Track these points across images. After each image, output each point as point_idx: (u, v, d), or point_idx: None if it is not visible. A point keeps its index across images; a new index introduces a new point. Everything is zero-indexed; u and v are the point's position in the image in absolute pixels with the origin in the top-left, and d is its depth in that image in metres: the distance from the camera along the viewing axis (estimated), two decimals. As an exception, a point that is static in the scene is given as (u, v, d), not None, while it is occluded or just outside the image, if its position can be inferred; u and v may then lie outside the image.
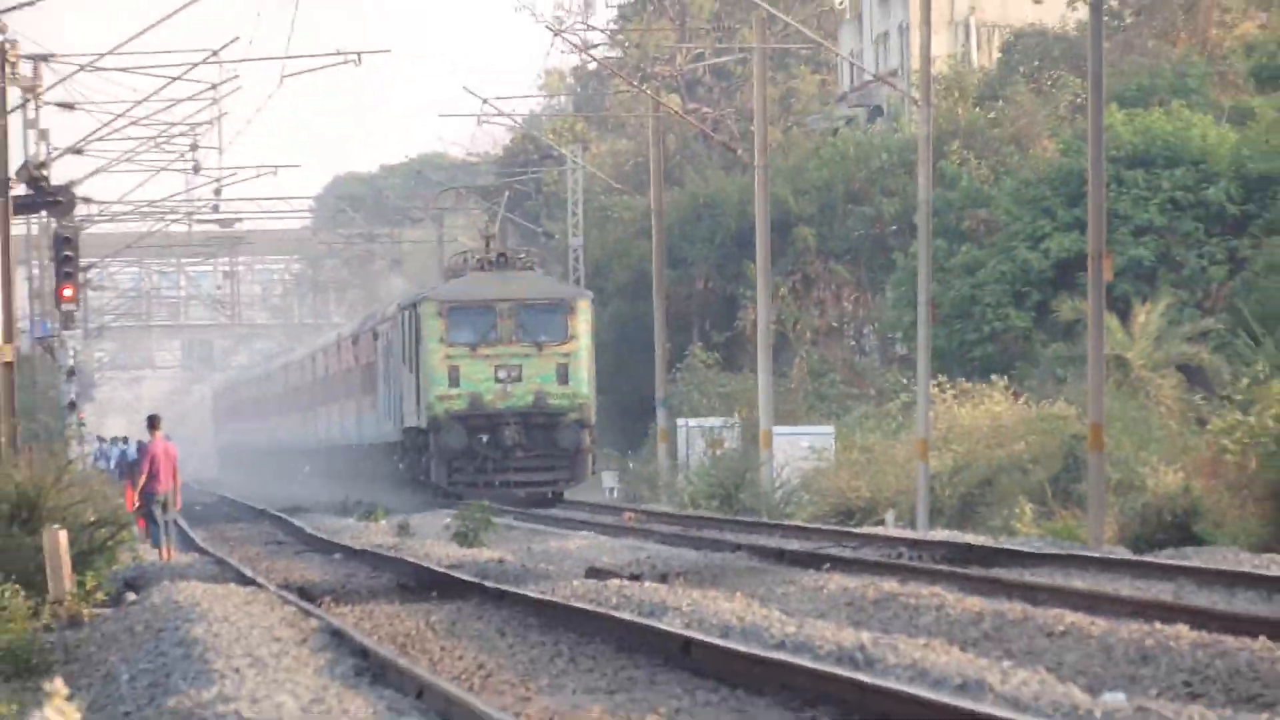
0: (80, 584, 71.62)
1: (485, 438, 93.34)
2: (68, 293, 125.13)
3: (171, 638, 54.57)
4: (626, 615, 58.39)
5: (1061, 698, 37.43)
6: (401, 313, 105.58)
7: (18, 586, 64.60)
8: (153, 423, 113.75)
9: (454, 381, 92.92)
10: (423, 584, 79.93)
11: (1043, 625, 54.40)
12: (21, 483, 76.48)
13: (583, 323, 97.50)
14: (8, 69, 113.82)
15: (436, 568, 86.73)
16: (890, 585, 68.54)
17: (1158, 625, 51.56)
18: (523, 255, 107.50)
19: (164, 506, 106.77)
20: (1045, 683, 40.37)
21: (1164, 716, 34.02)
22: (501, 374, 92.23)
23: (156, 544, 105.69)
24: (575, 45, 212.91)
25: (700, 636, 50.21)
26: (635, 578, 76.33)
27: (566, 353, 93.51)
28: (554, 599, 66.34)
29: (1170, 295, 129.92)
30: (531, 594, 68.67)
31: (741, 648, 47.45)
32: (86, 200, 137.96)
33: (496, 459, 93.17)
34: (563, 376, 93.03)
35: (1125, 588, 66.65)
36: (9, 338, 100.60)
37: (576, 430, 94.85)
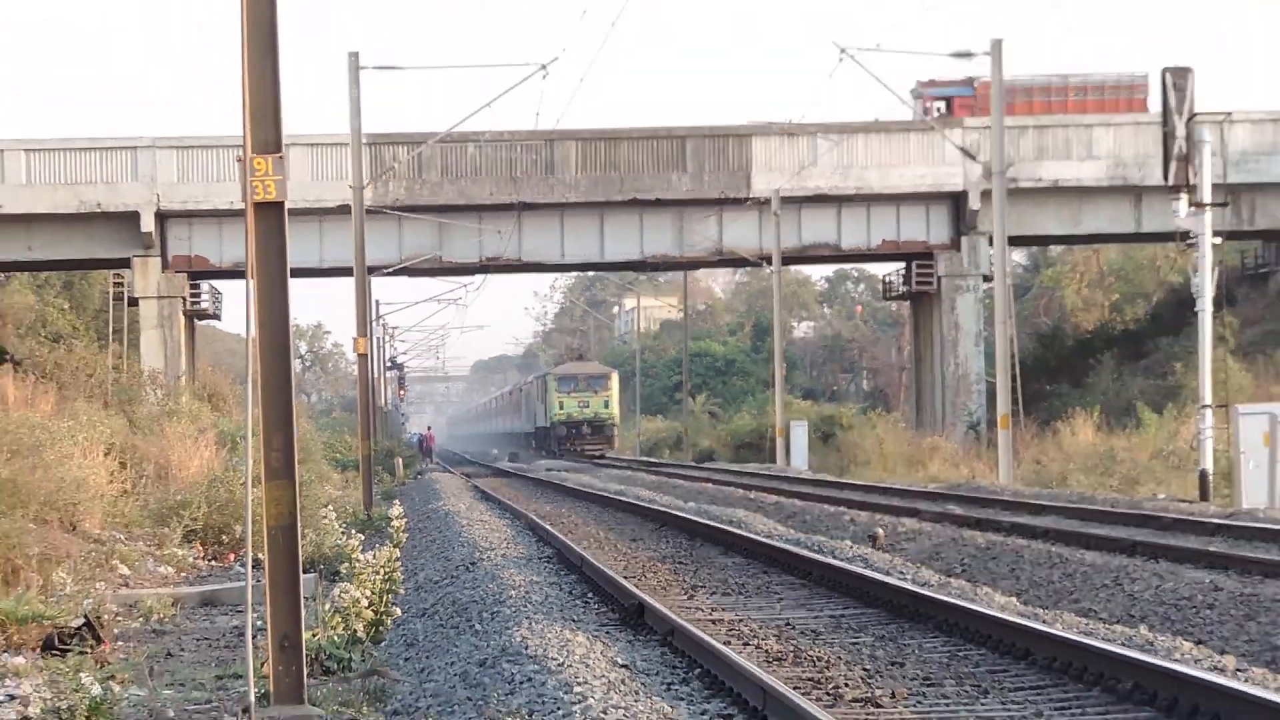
0: (406, 473, 74.00)
1: (573, 431, 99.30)
2: (401, 392, 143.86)
3: (430, 488, 61.37)
4: (555, 481, 63.79)
5: (668, 501, 43.84)
6: (537, 379, 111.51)
7: (387, 474, 67.21)
8: (429, 428, 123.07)
9: (561, 407, 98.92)
10: (502, 473, 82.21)
11: (674, 482, 59.01)
12: (388, 447, 77.86)
13: (614, 382, 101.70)
14: (387, 334, 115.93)
15: (506, 468, 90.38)
16: (629, 471, 74.35)
17: (696, 480, 58.09)
18: (588, 355, 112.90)
19: (431, 451, 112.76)
20: (671, 501, 46.92)
21: (671, 500, 40.79)
22: (580, 404, 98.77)
23: (426, 460, 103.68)
24: (541, 330, 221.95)
25: (576, 486, 56.72)
26: (561, 471, 77.30)
27: (607, 396, 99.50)
28: (537, 477, 70.35)
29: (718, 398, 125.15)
30: (529, 475, 73.47)
31: (585, 489, 54.50)
32: (406, 367, 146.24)
33: (576, 440, 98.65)
34: (605, 405, 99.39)
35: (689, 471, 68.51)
36: (386, 404, 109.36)
37: (610, 429, 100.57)
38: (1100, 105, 74.07)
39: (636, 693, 13.70)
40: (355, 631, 19.73)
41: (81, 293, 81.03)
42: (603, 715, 12.47)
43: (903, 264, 78.00)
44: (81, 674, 16.89)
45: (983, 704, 13.30)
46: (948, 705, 13.31)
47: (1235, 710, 11.61)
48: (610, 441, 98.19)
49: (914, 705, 13.29)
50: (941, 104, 79.32)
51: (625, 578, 22.47)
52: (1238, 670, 14.17)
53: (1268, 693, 11.87)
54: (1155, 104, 70.84)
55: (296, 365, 18.56)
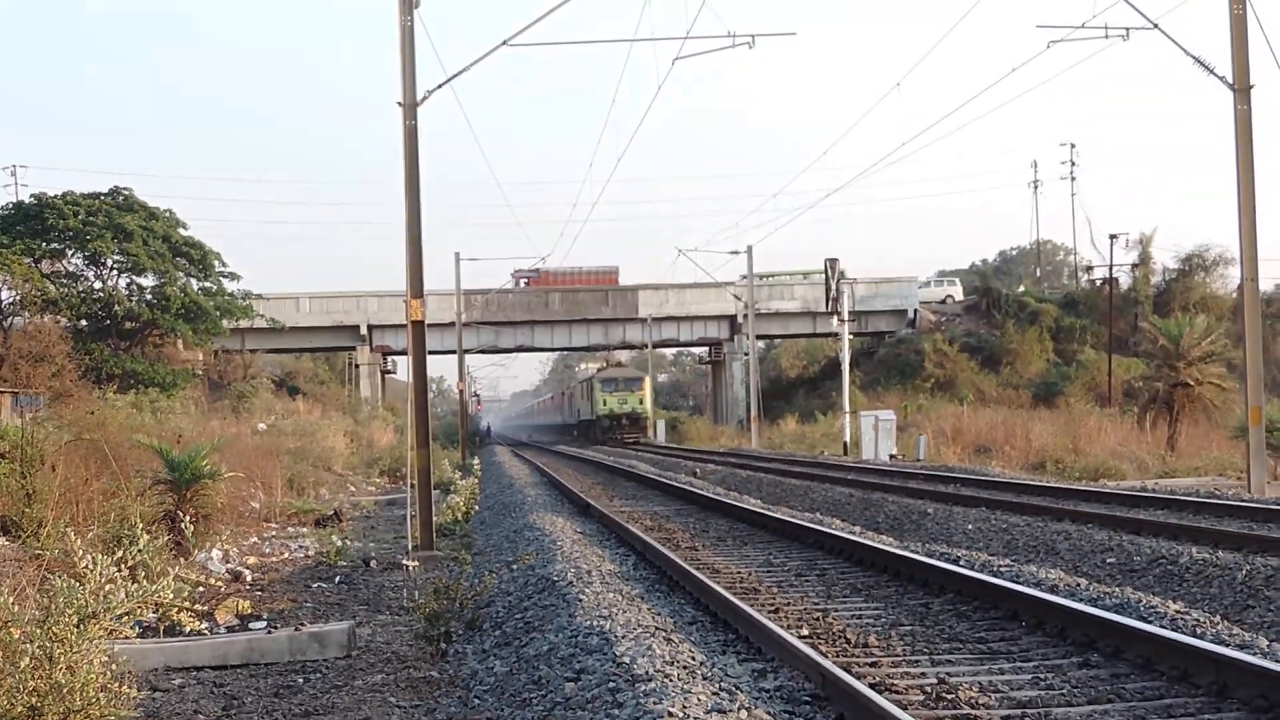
0: (476, 449, 66.85)
1: (614, 422, 65.73)
2: (478, 406, 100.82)
3: (491, 455, 55.42)
4: (550, 448, 60.20)
5: (601, 458, 41.46)
6: (584, 382, 75.14)
7: (471, 445, 57.99)
8: (488, 425, 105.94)
9: (604, 404, 65.48)
10: (527, 445, 71.86)
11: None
12: (470, 432, 68.98)
13: (647, 384, 68.14)
14: (471, 379, 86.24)
15: (543, 444, 74.50)
16: (583, 443, 65.46)
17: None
18: (627, 364, 74.75)
19: (490, 434, 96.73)
20: (603, 458, 44.15)
21: (603, 457, 37.66)
22: (620, 401, 66.02)
23: (488, 439, 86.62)
24: (542, 378, 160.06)
25: (561, 450, 52.93)
26: (555, 443, 71.98)
27: (641, 395, 66.57)
28: (543, 446, 66.49)
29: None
30: (540, 446, 68.69)
31: (565, 452, 50.70)
32: (479, 394, 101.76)
33: (616, 429, 65.17)
34: (640, 402, 66.19)
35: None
36: (471, 412, 75.79)
37: (643, 421, 66.72)
38: (597, 280, 72.49)
39: (586, 544, 13.73)
40: (457, 517, 19.77)
41: (333, 362, 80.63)
42: (571, 552, 12.51)
43: (708, 348, 78.19)
44: (333, 536, 17.01)
45: (744, 549, 13.20)
46: (728, 549, 13.22)
47: (857, 550, 11.58)
48: (644, 431, 68.24)
49: (713, 550, 13.18)
50: (525, 280, 73.26)
51: (580, 492, 22.31)
52: (863, 532, 14.14)
53: (873, 541, 11.88)
54: (623, 280, 71.38)
55: (430, 395, 18.34)
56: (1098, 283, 68.76)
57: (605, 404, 66.59)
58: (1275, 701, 5.43)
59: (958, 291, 76.55)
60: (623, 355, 79.55)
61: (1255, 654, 6.34)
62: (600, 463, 36.42)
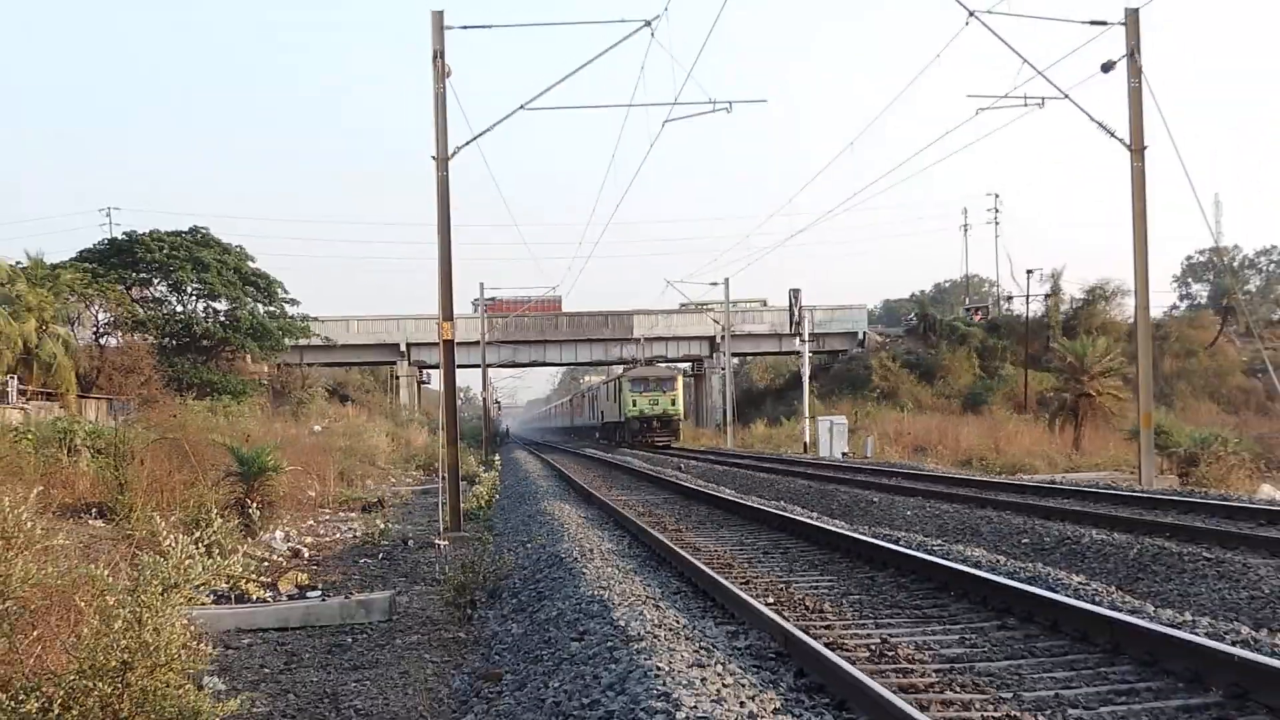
0: (497, 448, 63.48)
1: (644, 424, 52.15)
2: (499, 412, 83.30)
3: (510, 454, 53.08)
4: (557, 445, 57.76)
5: (601, 455, 40.91)
6: (613, 380, 61.26)
7: (493, 444, 53.82)
8: (507, 427, 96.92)
9: (634, 404, 52.11)
10: (540, 445, 66.39)
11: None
12: (492, 432, 59.13)
13: (680, 382, 54.84)
14: (491, 389, 66.71)
15: (561, 446, 67.39)
16: (586, 442, 60.73)
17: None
18: (658, 362, 62.40)
19: (508, 435, 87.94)
20: (602, 455, 44.14)
21: (602, 454, 37.08)
22: (650, 402, 52.61)
23: (507, 439, 79.14)
24: (552, 389, 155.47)
25: (567, 448, 50.86)
26: (564, 441, 67.62)
27: (674, 395, 53.13)
28: (549, 445, 63.42)
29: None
30: (549, 444, 64.96)
31: (570, 449, 49.28)
32: (499, 402, 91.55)
33: (648, 433, 51.85)
34: (672, 403, 52.68)
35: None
36: (492, 417, 63.41)
37: (676, 423, 53.43)
38: (544, 308, 68.97)
39: (590, 527, 13.69)
40: (480, 504, 19.70)
41: (377, 374, 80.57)
42: (577, 534, 12.47)
43: (690, 364, 78.04)
44: (377, 520, 16.89)
45: (723, 529, 13.13)
46: (708, 530, 13.12)
47: (814, 532, 11.48)
48: (676, 434, 55.29)
49: (695, 531, 13.10)
50: (485, 308, 65.71)
51: (584, 484, 22.15)
52: (818, 517, 14.07)
53: (828, 524, 11.79)
54: (567, 307, 67.92)
55: (458, 402, 18.42)
56: (1016, 310, 69.07)
57: (635, 405, 55.39)
58: (1159, 657, 5.50)
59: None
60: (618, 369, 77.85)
61: (1144, 618, 6.39)
62: (601, 459, 36.19)
